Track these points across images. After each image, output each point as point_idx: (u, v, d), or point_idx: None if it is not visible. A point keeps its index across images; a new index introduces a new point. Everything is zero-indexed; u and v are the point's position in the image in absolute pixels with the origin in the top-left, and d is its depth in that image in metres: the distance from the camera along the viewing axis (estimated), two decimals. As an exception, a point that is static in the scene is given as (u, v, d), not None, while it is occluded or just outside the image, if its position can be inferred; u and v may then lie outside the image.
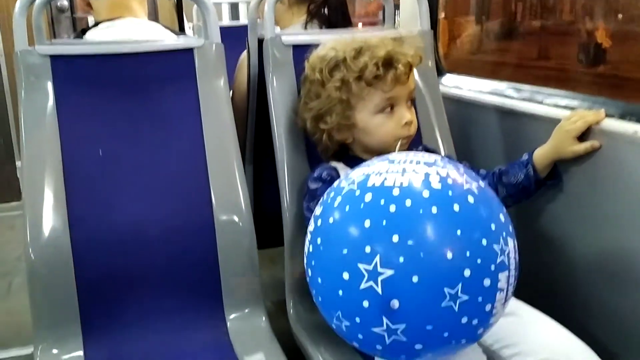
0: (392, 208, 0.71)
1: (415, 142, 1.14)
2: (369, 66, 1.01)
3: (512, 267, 0.73)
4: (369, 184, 0.75)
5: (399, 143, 1.04)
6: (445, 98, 1.34)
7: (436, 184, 0.72)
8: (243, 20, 3.33)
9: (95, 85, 1.13)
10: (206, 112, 1.18)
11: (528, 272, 1.10)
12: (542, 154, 1.08)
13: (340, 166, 1.10)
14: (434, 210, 0.70)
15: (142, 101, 1.16)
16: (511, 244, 0.74)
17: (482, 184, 0.78)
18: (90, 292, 1.06)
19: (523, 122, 1.22)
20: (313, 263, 0.78)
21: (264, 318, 1.14)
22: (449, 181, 0.73)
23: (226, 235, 1.15)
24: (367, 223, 0.71)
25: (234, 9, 3.61)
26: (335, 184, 0.82)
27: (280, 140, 1.20)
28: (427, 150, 1.17)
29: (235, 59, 1.72)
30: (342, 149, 1.13)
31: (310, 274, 0.78)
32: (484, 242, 0.70)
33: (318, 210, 0.80)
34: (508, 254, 0.72)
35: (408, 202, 0.71)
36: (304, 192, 1.12)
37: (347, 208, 0.75)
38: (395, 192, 0.72)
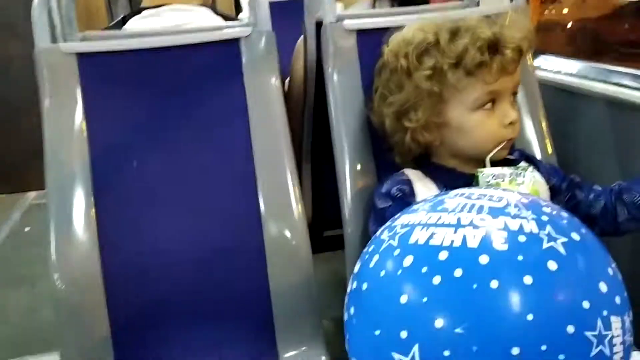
0: (437, 279, 0.53)
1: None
2: (470, 50, 0.81)
3: (620, 353, 0.53)
4: (412, 240, 0.57)
5: (495, 150, 0.84)
6: (541, 85, 1.10)
7: (500, 245, 0.53)
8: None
9: (128, 85, 0.99)
10: (254, 113, 1.01)
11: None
12: None
13: (416, 177, 0.90)
14: (494, 284, 0.51)
15: (181, 102, 1.00)
16: (618, 323, 0.53)
17: (576, 235, 0.56)
18: (126, 326, 0.93)
19: (647, 120, 0.98)
20: (347, 337, 0.62)
21: (324, 358, 0.97)
22: (521, 239, 0.54)
23: (278, 258, 0.98)
24: (403, 298, 0.54)
25: (293, -19, 3.41)
26: (379, 232, 0.64)
27: (340, 143, 1.00)
28: (524, 156, 0.95)
29: (294, 39, 1.54)
30: (423, 153, 0.93)
31: (347, 347, 0.62)
32: (570, 329, 0.51)
33: (357, 267, 0.63)
34: (610, 340, 0.52)
35: (458, 272, 0.52)
36: (370, 208, 0.93)
37: (383, 273, 0.58)
38: (443, 255, 0.54)
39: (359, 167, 0.99)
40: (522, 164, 0.90)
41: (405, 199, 0.87)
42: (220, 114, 1.01)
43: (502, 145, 0.85)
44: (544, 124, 1.06)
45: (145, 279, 0.94)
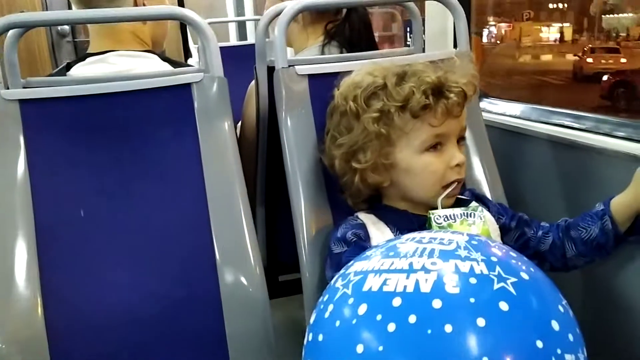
0: (391, 327, 0.53)
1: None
2: (415, 94, 0.83)
3: None
4: (365, 287, 0.57)
5: (446, 192, 0.85)
6: (486, 127, 1.14)
7: (453, 288, 0.54)
8: (251, 39, 3.16)
9: (74, 132, 0.95)
10: (208, 159, 0.99)
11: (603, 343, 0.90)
12: (622, 203, 0.87)
13: (370, 221, 0.90)
14: (448, 328, 0.51)
15: (131, 149, 0.97)
16: None
17: (526, 274, 0.57)
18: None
19: (589, 159, 1.01)
20: None
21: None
22: (472, 281, 0.55)
23: (234, 306, 0.95)
24: (359, 348, 0.54)
25: (242, 28, 3.45)
26: (333, 280, 0.64)
27: (295, 186, 1.00)
28: (475, 196, 0.97)
29: (244, 84, 1.54)
30: (375, 195, 0.94)
31: None
32: None
33: (312, 317, 0.62)
34: None
35: (412, 318, 0.53)
36: (326, 253, 0.93)
37: (338, 323, 0.57)
38: (396, 302, 0.54)
39: (314, 210, 0.99)
40: (473, 204, 0.92)
41: (361, 243, 0.87)
42: (172, 161, 0.99)
43: (452, 188, 0.87)
44: (492, 164, 1.08)
45: (94, 334, 0.89)
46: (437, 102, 0.83)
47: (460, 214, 0.85)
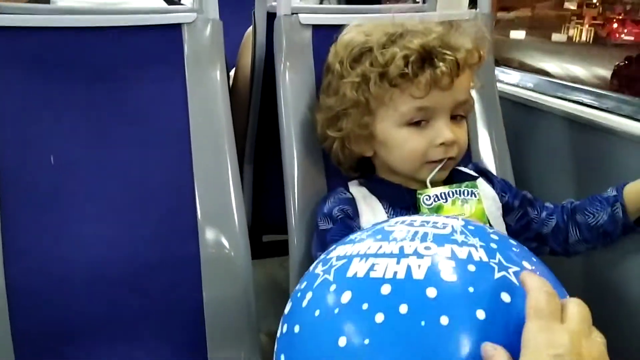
0: (379, 317, 0.47)
1: (464, 159, 0.86)
2: (396, 60, 0.73)
3: None
4: (350, 273, 0.51)
5: (434, 172, 0.77)
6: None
7: (449, 275, 0.48)
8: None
9: (47, 69, 0.85)
10: (195, 108, 0.91)
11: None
12: (638, 191, 0.80)
13: (360, 194, 0.83)
14: (444, 320, 0.46)
15: (110, 92, 0.88)
16: None
17: (528, 264, 0.52)
18: (34, 351, 0.80)
19: (607, 141, 0.94)
20: None
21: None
22: (471, 268, 0.48)
23: (214, 269, 0.89)
24: (342, 341, 0.47)
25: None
26: (312, 266, 0.57)
27: (289, 146, 0.92)
28: (479, 170, 0.90)
29: (240, 30, 1.44)
30: (367, 165, 0.86)
31: None
32: None
33: (287, 307, 0.56)
34: None
35: (403, 308, 0.46)
36: (314, 227, 0.85)
37: (317, 312, 0.51)
38: (385, 289, 0.48)
39: (308, 174, 0.92)
40: (467, 182, 0.83)
41: (347, 222, 0.80)
42: (155, 108, 0.90)
43: (439, 166, 0.78)
44: (502, 138, 1.01)
45: (58, 293, 0.82)
46: (421, 71, 0.73)
47: (452, 191, 0.78)
